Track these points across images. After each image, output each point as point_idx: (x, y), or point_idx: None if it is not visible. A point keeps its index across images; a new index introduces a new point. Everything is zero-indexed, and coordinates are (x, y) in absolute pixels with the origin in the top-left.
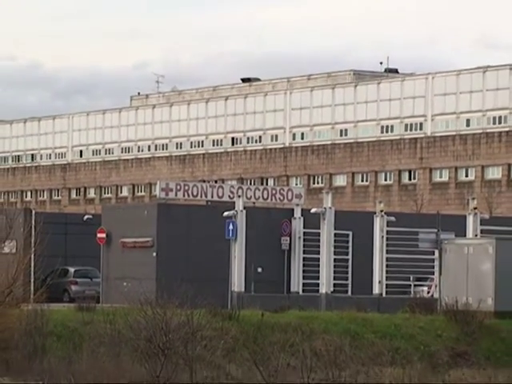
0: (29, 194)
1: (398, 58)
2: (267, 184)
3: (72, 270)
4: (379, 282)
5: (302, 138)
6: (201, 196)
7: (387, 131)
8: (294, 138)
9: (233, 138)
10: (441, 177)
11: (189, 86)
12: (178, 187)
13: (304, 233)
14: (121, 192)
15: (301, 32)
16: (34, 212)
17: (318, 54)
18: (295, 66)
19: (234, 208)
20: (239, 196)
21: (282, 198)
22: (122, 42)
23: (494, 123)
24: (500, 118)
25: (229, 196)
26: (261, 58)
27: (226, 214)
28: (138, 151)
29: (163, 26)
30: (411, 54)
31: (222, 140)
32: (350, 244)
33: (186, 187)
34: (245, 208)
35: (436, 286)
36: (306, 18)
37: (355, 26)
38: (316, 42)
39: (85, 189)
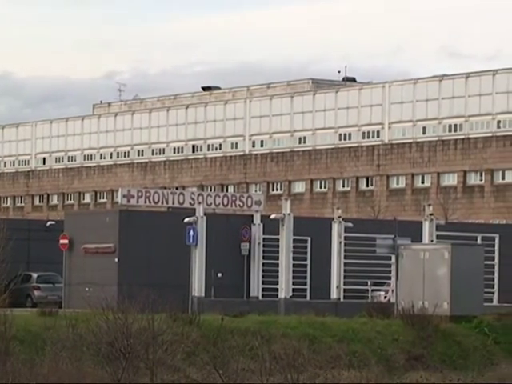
0: None
1: (359, 68)
2: (227, 191)
3: (35, 275)
4: (337, 286)
5: (262, 146)
6: (162, 203)
7: (345, 139)
8: (253, 146)
9: (193, 146)
10: (397, 183)
11: (153, 94)
12: (140, 194)
13: (263, 238)
14: (83, 199)
15: (265, 43)
16: None
17: (281, 65)
18: (259, 75)
19: (195, 214)
20: (200, 202)
21: (241, 204)
22: (93, 52)
23: (450, 131)
24: (455, 125)
25: (189, 203)
26: (226, 67)
27: (186, 220)
28: (101, 158)
29: (134, 36)
30: (373, 64)
31: (182, 147)
32: (309, 249)
33: (148, 194)
34: (205, 214)
35: (393, 291)
36: (271, 29)
37: (318, 36)
38: (280, 52)
39: (48, 195)
